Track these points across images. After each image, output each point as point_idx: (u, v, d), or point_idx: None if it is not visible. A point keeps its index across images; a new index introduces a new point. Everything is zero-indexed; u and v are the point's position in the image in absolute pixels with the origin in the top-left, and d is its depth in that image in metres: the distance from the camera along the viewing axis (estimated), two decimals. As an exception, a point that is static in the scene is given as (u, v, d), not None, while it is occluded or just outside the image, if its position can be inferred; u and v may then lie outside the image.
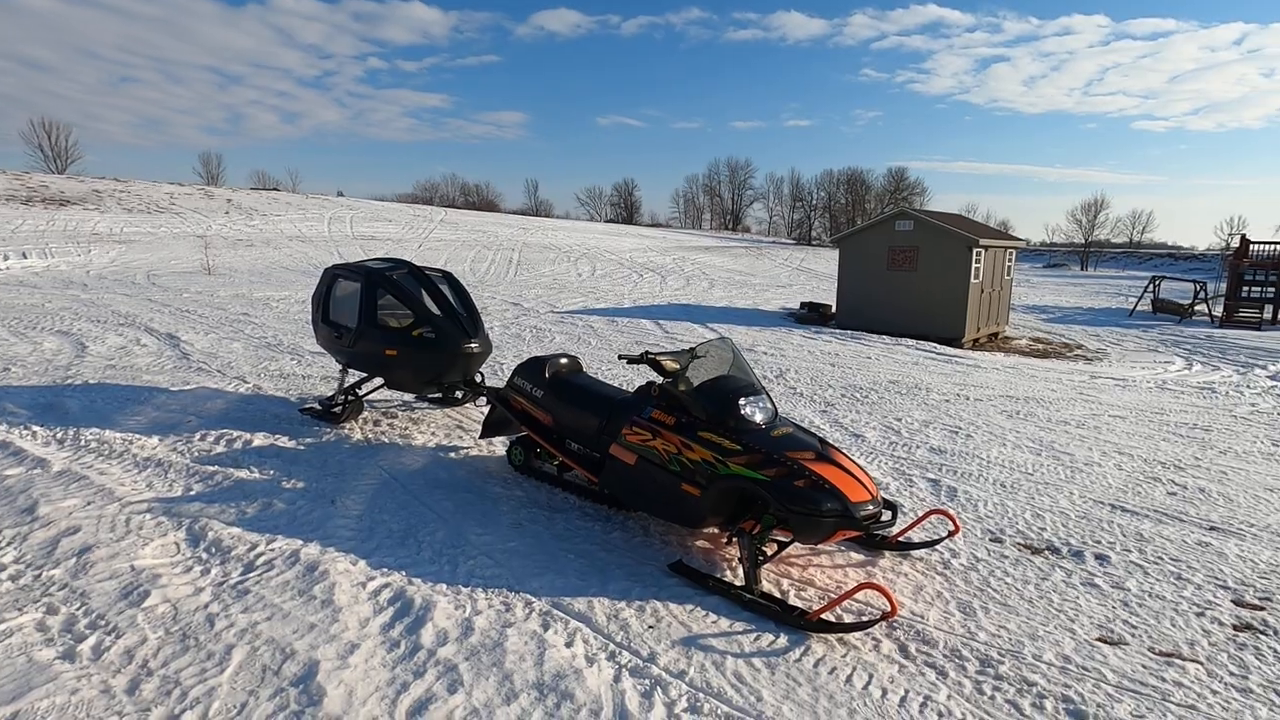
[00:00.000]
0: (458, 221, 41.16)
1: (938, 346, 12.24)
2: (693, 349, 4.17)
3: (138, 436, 5.40)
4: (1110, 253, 54.74)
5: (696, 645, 3.03)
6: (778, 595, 3.48)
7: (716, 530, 4.07)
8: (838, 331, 13.67)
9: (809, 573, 3.76)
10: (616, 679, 2.77)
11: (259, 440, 5.44)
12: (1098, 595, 3.58)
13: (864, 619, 3.23)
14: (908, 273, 13.78)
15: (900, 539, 4.07)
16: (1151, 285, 20.00)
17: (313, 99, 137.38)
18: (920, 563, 3.90)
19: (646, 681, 2.77)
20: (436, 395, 6.57)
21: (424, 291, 5.90)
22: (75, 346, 8.95)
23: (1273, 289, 17.97)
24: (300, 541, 3.79)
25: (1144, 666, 2.98)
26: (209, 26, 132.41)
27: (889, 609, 3.11)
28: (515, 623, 3.12)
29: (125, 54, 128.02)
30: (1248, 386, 9.49)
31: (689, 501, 3.68)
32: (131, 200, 32.62)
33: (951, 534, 4.05)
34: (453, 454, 5.42)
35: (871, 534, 3.89)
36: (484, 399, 6.18)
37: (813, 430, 5.91)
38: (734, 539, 3.83)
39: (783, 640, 3.09)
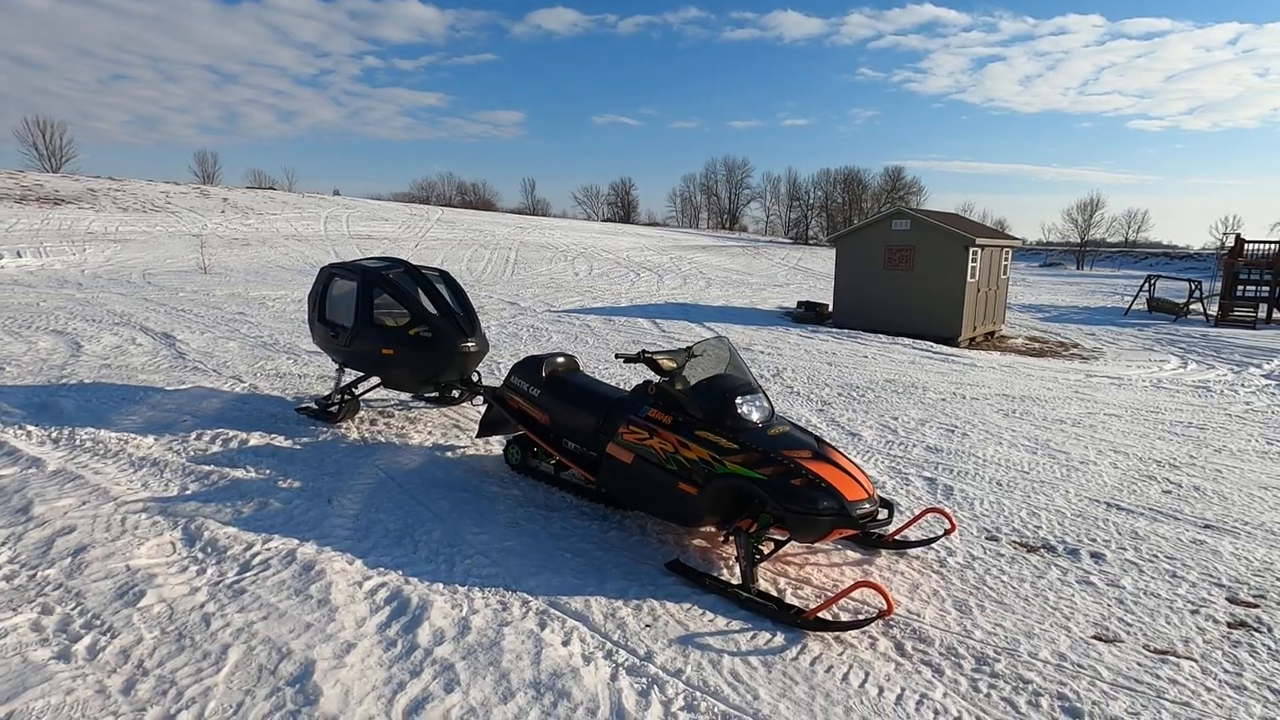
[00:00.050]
0: (454, 220, 41.10)
1: (934, 345, 12.26)
2: (689, 348, 4.18)
3: (133, 436, 5.38)
4: (1106, 252, 54.89)
5: (693, 644, 3.03)
6: (774, 594, 3.48)
7: (713, 529, 4.08)
8: (834, 330, 13.69)
9: (805, 571, 3.77)
10: (613, 678, 2.78)
11: (255, 439, 5.43)
12: (1093, 593, 3.59)
13: (860, 617, 3.23)
14: (904, 272, 13.81)
15: (896, 537, 4.08)
16: (1147, 284, 20.08)
17: (309, 98, 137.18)
18: (916, 561, 3.91)
19: (643, 680, 2.77)
20: (433, 394, 6.56)
21: (420, 291, 5.89)
22: (70, 346, 8.91)
23: (1267, 288, 18.04)
24: (296, 541, 3.79)
25: (1139, 664, 2.99)
26: (204, 24, 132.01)
27: (885, 607, 3.12)
28: (512, 622, 3.12)
29: (120, 52, 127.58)
30: (1242, 385, 9.53)
31: (686, 500, 3.69)
32: (127, 199, 32.51)
33: (948, 532, 4.06)
34: (449, 453, 5.41)
35: (868, 532, 3.91)
36: (481, 398, 6.17)
37: (809, 429, 5.91)
38: (731, 538, 3.83)
39: (779, 638, 3.09)
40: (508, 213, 64.98)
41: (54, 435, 5.35)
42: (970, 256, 13.20)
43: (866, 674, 2.86)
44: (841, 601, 3.37)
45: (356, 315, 5.74)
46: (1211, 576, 3.80)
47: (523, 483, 4.85)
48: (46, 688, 2.57)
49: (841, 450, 4.36)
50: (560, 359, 5.00)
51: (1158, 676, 2.90)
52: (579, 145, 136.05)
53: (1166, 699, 2.76)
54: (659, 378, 4.07)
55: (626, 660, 2.90)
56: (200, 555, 3.61)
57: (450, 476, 4.89)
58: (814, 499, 3.31)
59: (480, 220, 43.83)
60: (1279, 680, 2.91)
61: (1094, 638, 3.18)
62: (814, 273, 30.37)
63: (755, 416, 3.73)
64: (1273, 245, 18.65)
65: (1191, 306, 18.42)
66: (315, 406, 6.20)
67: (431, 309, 5.81)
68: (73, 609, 3.09)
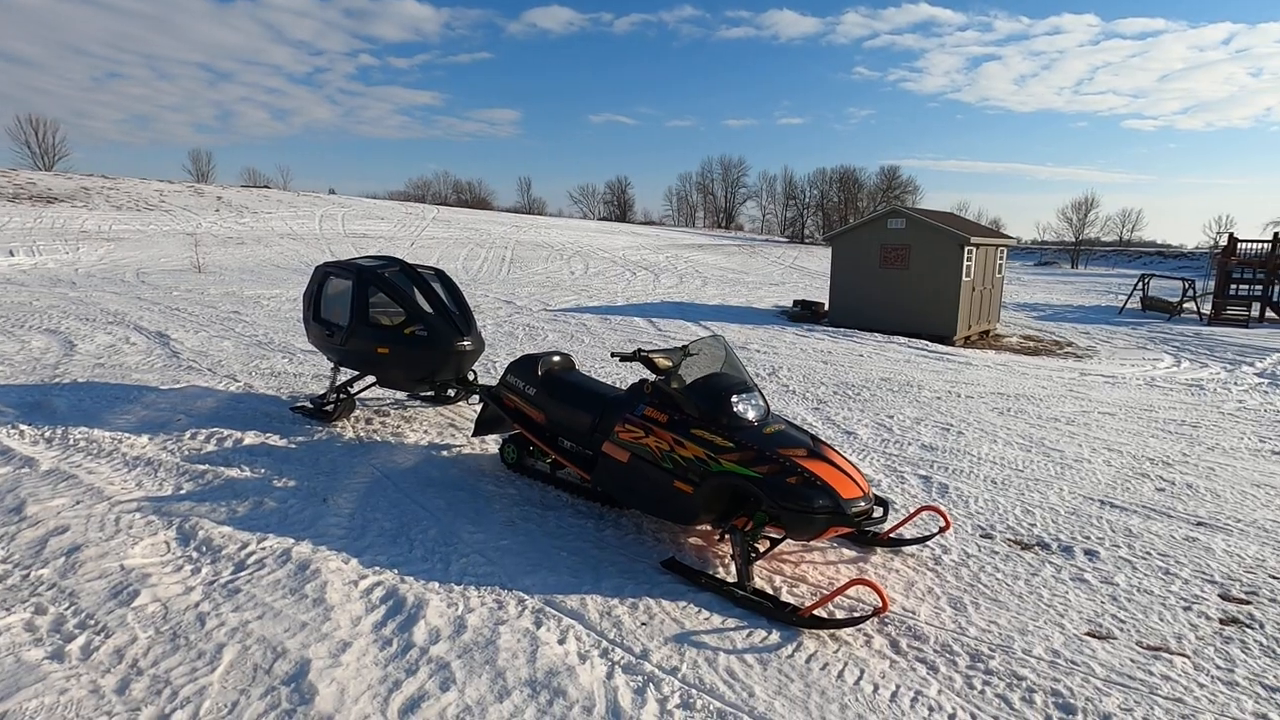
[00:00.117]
0: (450, 219, 41.02)
1: (929, 344, 12.29)
2: (685, 346, 4.18)
3: (127, 435, 5.36)
4: (1100, 251, 55.08)
5: (689, 642, 3.04)
6: (770, 592, 3.49)
7: (709, 527, 4.08)
8: (830, 329, 13.71)
9: (801, 569, 3.78)
10: (609, 676, 2.78)
11: (250, 439, 5.41)
12: (1087, 590, 3.61)
13: (856, 615, 3.24)
14: (900, 271, 13.83)
15: (892, 535, 4.09)
16: (1141, 283, 20.16)
17: (304, 96, 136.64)
18: (911, 559, 3.92)
19: (639, 678, 2.77)
20: (429, 393, 6.56)
21: (416, 289, 5.88)
22: (63, 345, 8.87)
23: (1260, 287, 18.14)
24: (292, 540, 3.78)
25: (1132, 660, 3.01)
26: (199, 22, 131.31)
27: (880, 605, 3.12)
28: (508, 620, 3.12)
29: (114, 50, 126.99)
30: (1235, 383, 9.58)
31: (682, 499, 3.69)
32: (120, 197, 32.35)
33: (942, 530, 4.07)
34: (445, 452, 5.40)
35: (863, 530, 3.92)
36: (476, 397, 6.17)
37: (805, 427, 5.92)
38: (726, 536, 3.84)
39: (775, 636, 3.10)
40: (504, 211, 64.88)
41: (47, 435, 5.33)
42: (965, 255, 13.24)
43: (862, 671, 2.87)
44: (837, 599, 3.38)
45: (352, 314, 5.73)
46: (1204, 573, 3.83)
47: (519, 481, 4.84)
48: (40, 688, 2.56)
49: (837, 448, 4.37)
50: (556, 358, 5.00)
51: (1151, 673, 2.92)
52: (575, 144, 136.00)
53: (1159, 695, 2.78)
54: (655, 376, 4.07)
55: (622, 658, 2.90)
56: (195, 554, 3.60)
57: (446, 475, 4.88)
58: (809, 497, 3.32)
59: (476, 219, 43.76)
60: (1271, 676, 2.93)
61: (1088, 634, 3.20)
62: (810, 271, 30.41)
63: (751, 415, 3.74)
64: (1265, 244, 18.75)
65: (1185, 305, 18.50)
66: (310, 405, 6.18)
67: (427, 308, 5.80)
68: (66, 609, 3.08)
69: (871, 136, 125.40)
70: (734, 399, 3.74)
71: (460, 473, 4.95)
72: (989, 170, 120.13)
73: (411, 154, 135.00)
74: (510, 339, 10.78)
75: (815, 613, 3.21)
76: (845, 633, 3.14)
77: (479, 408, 5.50)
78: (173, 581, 3.33)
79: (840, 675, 2.85)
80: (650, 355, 4.01)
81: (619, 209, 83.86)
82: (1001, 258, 15.48)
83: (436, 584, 3.41)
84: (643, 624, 3.16)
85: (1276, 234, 18.27)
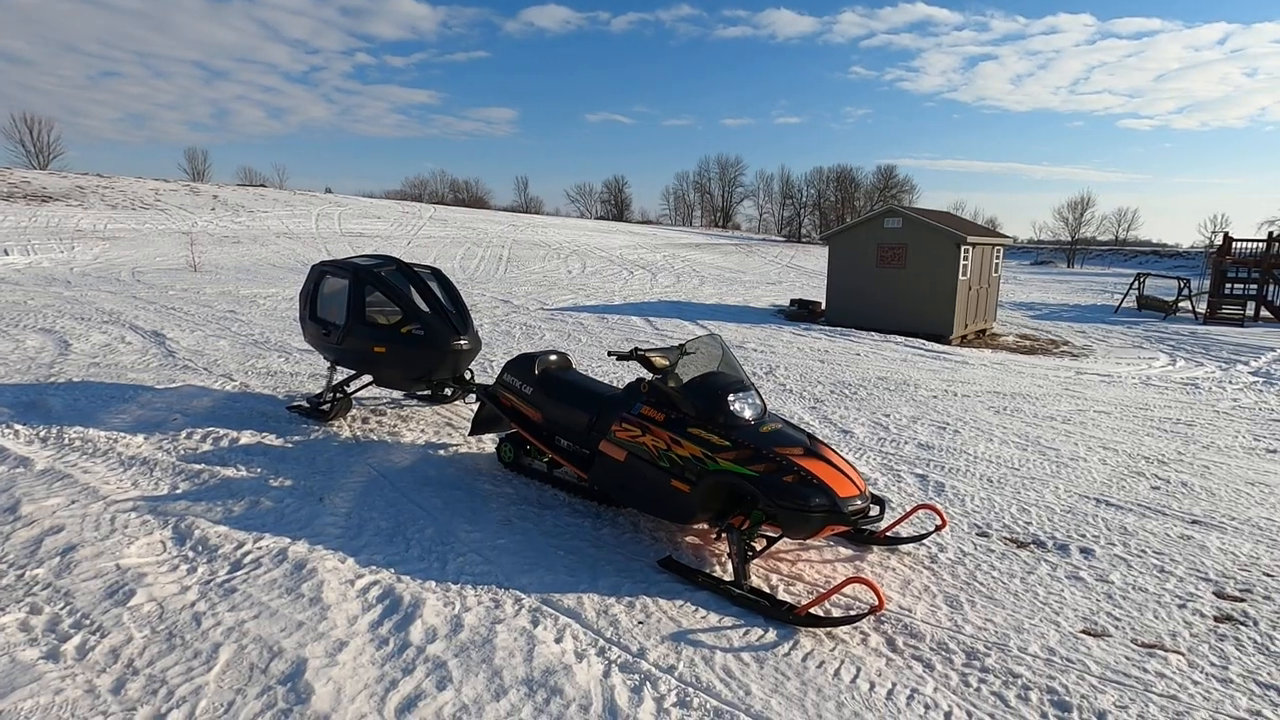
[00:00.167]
0: (447, 218, 40.96)
1: (926, 343, 12.32)
2: (682, 345, 4.18)
3: (122, 435, 5.35)
4: (1096, 250, 55.24)
5: (686, 640, 3.04)
6: (766, 590, 3.49)
7: (706, 526, 4.08)
8: (827, 328, 13.73)
9: (797, 568, 3.78)
10: (606, 674, 2.78)
11: (246, 438, 5.40)
12: (1082, 588, 3.62)
13: (852, 613, 3.25)
14: (897, 270, 13.85)
15: (888, 534, 4.10)
16: (1136, 282, 20.21)
17: (300, 95, 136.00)
18: (908, 557, 3.93)
19: (636, 676, 2.77)
20: (425, 392, 6.55)
21: (413, 288, 5.87)
22: (58, 344, 8.84)
23: (1255, 286, 18.21)
24: (288, 539, 3.77)
25: (1127, 658, 3.02)
26: (194, 21, 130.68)
27: (877, 603, 3.13)
28: (504, 619, 3.12)
29: (108, 48, 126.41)
30: (1230, 382, 9.61)
31: (678, 497, 3.69)
32: (115, 196, 32.24)
33: (939, 528, 4.08)
34: (442, 451, 5.40)
35: (859, 529, 3.93)
36: (473, 396, 6.16)
37: (801, 426, 5.93)
38: (723, 535, 3.85)
39: (771, 635, 3.10)
40: (501, 210, 64.79)
41: (42, 434, 5.31)
42: (962, 255, 13.26)
43: (858, 669, 2.88)
44: (833, 597, 3.38)
45: (348, 313, 5.71)
46: (1199, 571, 3.84)
47: (515, 480, 4.84)
48: (35, 687, 2.55)
49: (833, 447, 4.37)
50: (553, 357, 5.00)
51: (1145, 670, 2.93)
52: (572, 143, 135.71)
53: (1154, 692, 2.79)
54: (652, 375, 4.08)
55: (619, 657, 2.90)
56: (191, 554, 3.59)
57: (443, 474, 4.88)
58: (806, 496, 3.33)
59: (473, 218, 43.70)
60: (1264, 673, 2.94)
61: (1083, 632, 3.21)
62: (807, 271, 30.44)
63: (747, 414, 3.74)
64: (1260, 244, 18.82)
65: (1180, 304, 18.56)
66: (307, 405, 6.17)
67: (424, 307, 5.79)
68: (62, 608, 3.07)
69: (868, 136, 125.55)
70: (731, 398, 3.74)
71: (457, 472, 4.95)
72: (985, 170, 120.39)
73: (408, 153, 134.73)
74: (507, 338, 10.78)
75: (812, 611, 3.22)
76: (842, 631, 3.14)
77: (476, 407, 5.50)
78: (168, 581, 3.33)
79: (837, 673, 2.85)
80: (647, 354, 4.02)
81: (616, 208, 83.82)
82: (998, 257, 15.51)
83: (433, 583, 3.41)
84: (639, 622, 3.16)
85: (1271, 233, 18.35)
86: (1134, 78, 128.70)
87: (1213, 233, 54.12)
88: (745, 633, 3.12)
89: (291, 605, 3.15)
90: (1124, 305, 19.64)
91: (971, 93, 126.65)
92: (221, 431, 5.49)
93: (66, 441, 5.17)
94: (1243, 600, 3.55)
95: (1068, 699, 2.72)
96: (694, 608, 3.30)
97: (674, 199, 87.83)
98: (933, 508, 4.11)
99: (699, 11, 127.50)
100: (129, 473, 4.66)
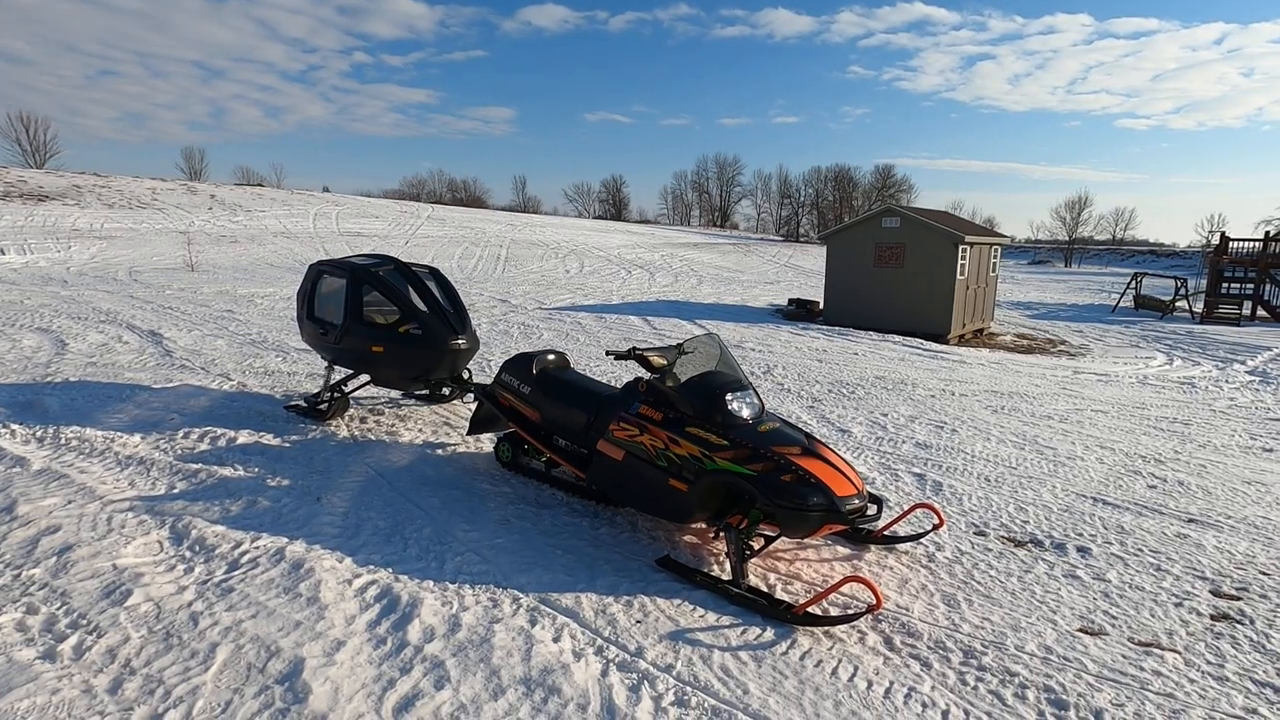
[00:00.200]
0: (445, 218, 40.92)
1: (924, 343, 12.33)
2: (680, 345, 4.18)
3: (119, 434, 5.33)
4: (1093, 250, 55.36)
5: (684, 639, 3.04)
6: (764, 589, 3.50)
7: (704, 525, 4.08)
8: (825, 328, 13.74)
9: (795, 567, 3.79)
10: (604, 673, 2.78)
11: (243, 438, 5.39)
12: (1079, 587, 3.63)
13: (850, 612, 3.25)
14: (895, 269, 13.87)
15: (886, 533, 4.10)
16: (1134, 282, 20.25)
17: (297, 94, 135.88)
18: (905, 556, 3.93)
19: (634, 676, 2.78)
20: (423, 392, 6.54)
21: (410, 288, 5.87)
22: (55, 344, 8.82)
23: (1252, 285, 18.26)
24: (285, 539, 3.77)
25: (1124, 656, 3.02)
26: (192, 20, 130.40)
27: (874, 602, 3.14)
28: (502, 618, 3.12)
29: (106, 47, 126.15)
30: (1226, 381, 9.64)
31: (676, 497, 3.69)
32: (112, 195, 32.16)
33: (936, 527, 4.09)
34: (440, 451, 5.40)
35: (857, 528, 3.93)
36: (471, 395, 6.16)
37: (799, 425, 5.94)
38: (721, 534, 3.85)
39: (769, 634, 3.11)
40: (498, 210, 64.75)
41: (39, 434, 5.29)
42: (960, 254, 13.28)
43: (856, 668, 2.88)
44: (831, 596, 3.39)
45: (346, 312, 5.71)
46: (1195, 570, 3.85)
47: (513, 480, 4.84)
48: (32, 687, 2.55)
49: (831, 446, 4.37)
50: (551, 356, 5.00)
51: (1142, 668, 2.94)
52: (570, 142, 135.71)
53: (1150, 690, 2.80)
54: (650, 375, 4.08)
55: (617, 656, 2.90)
56: (188, 554, 3.59)
57: (440, 474, 4.87)
58: (804, 495, 3.33)
59: (471, 217, 43.67)
60: (1261, 671, 2.95)
61: (1080, 631, 3.22)
62: (805, 270, 30.46)
63: (745, 413, 3.75)
64: (1257, 243, 18.87)
65: (1177, 304, 18.60)
66: (304, 404, 6.16)
67: (421, 306, 5.78)
68: (58, 608, 3.06)
69: (866, 135, 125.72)
70: (729, 397, 3.74)
71: (455, 471, 4.95)
72: (983, 169, 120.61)
73: (406, 152, 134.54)
74: (505, 337, 10.77)
75: (809, 610, 3.22)
76: (839, 630, 3.15)
77: (474, 406, 5.50)
78: (166, 581, 3.32)
79: (834, 672, 2.86)
80: (645, 353, 4.02)
81: (614, 208, 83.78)
82: (995, 256, 15.53)
83: (431, 582, 3.41)
84: (637, 622, 3.16)
85: (1268, 233, 18.39)
86: (1131, 78, 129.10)
87: (1210, 232, 54.30)
88: (743, 632, 3.12)
89: (289, 605, 3.15)
90: (1121, 305, 19.68)
91: (969, 92, 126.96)
92: (219, 431, 5.48)
93: (63, 441, 5.16)
94: (1239, 598, 3.56)
95: (1065, 697, 2.73)
96: (692, 607, 3.31)
97: (672, 198, 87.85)
98: (930, 507, 4.12)
99: (697, 11, 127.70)
100: (126, 472, 4.65)
